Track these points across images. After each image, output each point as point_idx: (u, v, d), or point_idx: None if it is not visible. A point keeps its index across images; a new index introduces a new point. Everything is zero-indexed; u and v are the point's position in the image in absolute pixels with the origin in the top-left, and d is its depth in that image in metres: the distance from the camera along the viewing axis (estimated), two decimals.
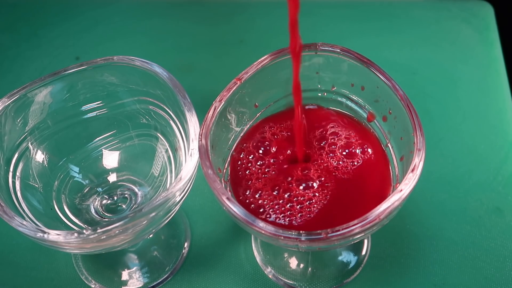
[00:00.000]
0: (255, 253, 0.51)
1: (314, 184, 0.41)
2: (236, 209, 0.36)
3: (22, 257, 0.51)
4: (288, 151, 0.43)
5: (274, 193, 0.41)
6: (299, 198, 0.41)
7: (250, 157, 0.43)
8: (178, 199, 0.40)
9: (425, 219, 0.52)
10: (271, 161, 0.43)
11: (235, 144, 0.44)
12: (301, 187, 0.41)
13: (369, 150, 0.43)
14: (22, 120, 0.44)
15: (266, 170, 0.42)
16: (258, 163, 0.43)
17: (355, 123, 0.45)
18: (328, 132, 0.44)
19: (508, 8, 0.69)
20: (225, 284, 0.50)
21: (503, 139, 0.56)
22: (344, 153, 0.43)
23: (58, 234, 0.37)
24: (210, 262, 0.51)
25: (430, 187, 0.53)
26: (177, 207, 0.42)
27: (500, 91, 0.60)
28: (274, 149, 0.43)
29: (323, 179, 0.42)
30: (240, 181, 0.42)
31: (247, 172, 0.42)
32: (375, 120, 0.44)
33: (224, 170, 0.43)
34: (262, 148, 0.43)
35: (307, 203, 0.41)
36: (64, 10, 0.68)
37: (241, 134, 0.44)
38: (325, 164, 0.42)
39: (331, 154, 0.43)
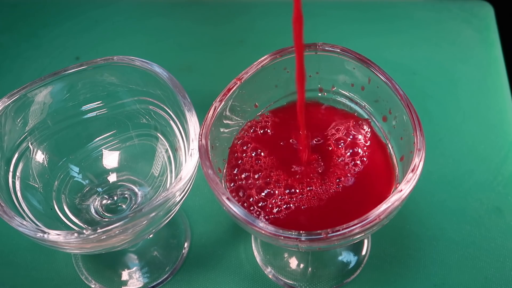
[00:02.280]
0: (255, 253, 0.51)
1: (316, 183, 0.41)
2: (236, 209, 0.36)
3: (22, 257, 0.51)
4: (292, 144, 0.43)
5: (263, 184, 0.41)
6: (298, 196, 0.41)
7: (245, 147, 0.43)
8: (178, 199, 0.40)
9: (425, 219, 0.52)
10: (265, 159, 0.43)
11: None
12: (300, 185, 0.41)
13: (371, 150, 0.43)
14: (22, 120, 0.44)
15: (262, 163, 0.42)
16: (256, 152, 0.43)
17: (357, 121, 0.45)
18: (330, 130, 0.44)
19: (508, 8, 0.69)
20: (225, 284, 0.50)
21: (503, 139, 0.56)
22: (347, 152, 0.43)
23: (58, 234, 0.37)
24: (210, 262, 0.51)
25: (430, 187, 0.53)
26: (177, 207, 0.42)
27: (500, 91, 0.60)
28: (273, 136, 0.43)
29: (326, 179, 0.42)
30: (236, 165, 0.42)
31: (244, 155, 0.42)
32: (375, 120, 0.44)
33: (224, 170, 0.43)
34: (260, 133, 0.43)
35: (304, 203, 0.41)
36: (64, 10, 0.68)
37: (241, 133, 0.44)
38: (328, 163, 0.42)
39: (329, 150, 0.43)
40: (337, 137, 0.44)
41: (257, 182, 0.42)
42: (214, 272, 0.50)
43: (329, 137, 0.44)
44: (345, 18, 0.67)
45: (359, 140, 0.43)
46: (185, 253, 0.51)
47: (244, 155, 0.43)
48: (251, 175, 0.42)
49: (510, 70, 0.62)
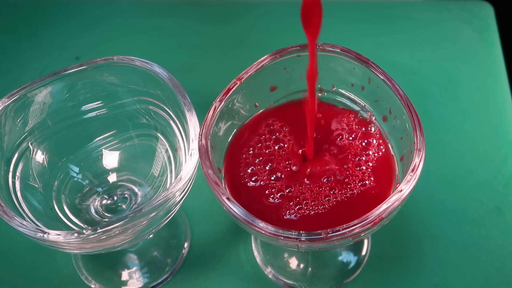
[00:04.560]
0: (255, 253, 0.51)
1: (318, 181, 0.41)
2: (236, 209, 0.36)
3: (22, 257, 0.51)
4: (299, 150, 0.43)
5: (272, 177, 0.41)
6: (303, 193, 0.41)
7: (246, 145, 0.43)
8: (178, 199, 0.40)
9: (425, 219, 0.52)
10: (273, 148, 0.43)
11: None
12: (305, 181, 0.41)
13: (376, 149, 0.43)
14: (22, 120, 0.44)
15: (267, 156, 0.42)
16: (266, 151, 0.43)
17: (360, 121, 0.44)
18: (334, 129, 0.44)
19: (508, 8, 0.69)
20: (225, 284, 0.50)
21: (503, 139, 0.56)
22: (357, 156, 0.43)
23: (58, 234, 0.37)
24: (210, 262, 0.51)
25: (430, 187, 0.53)
26: (177, 207, 0.42)
27: (500, 91, 0.60)
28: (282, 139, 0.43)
29: (329, 178, 0.42)
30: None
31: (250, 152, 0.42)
32: (375, 120, 0.44)
33: (224, 170, 0.43)
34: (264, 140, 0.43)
35: (309, 201, 0.41)
36: (64, 10, 0.68)
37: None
38: (331, 163, 0.42)
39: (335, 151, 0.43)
40: (343, 137, 0.44)
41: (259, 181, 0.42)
42: (214, 272, 0.50)
43: (334, 136, 0.44)
44: (345, 18, 0.67)
45: (368, 140, 0.43)
46: (185, 253, 0.51)
47: (245, 153, 0.43)
48: (252, 171, 0.42)
49: (510, 70, 0.62)
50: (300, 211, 0.40)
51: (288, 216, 0.40)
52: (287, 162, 0.43)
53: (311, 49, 0.39)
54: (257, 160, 0.43)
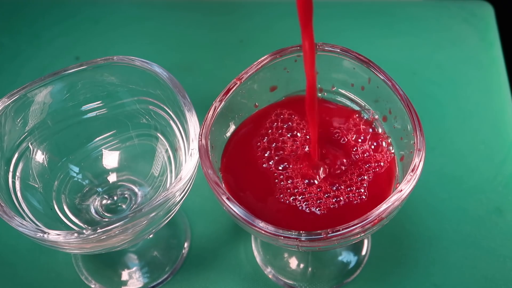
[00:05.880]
0: (255, 253, 0.51)
1: (316, 181, 0.41)
2: (236, 209, 0.36)
3: (22, 257, 0.51)
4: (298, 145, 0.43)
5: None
6: (305, 191, 0.41)
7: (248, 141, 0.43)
8: (178, 199, 0.40)
9: (425, 219, 0.52)
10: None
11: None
12: (306, 181, 0.41)
13: (378, 149, 0.43)
14: (22, 120, 0.44)
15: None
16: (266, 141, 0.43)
17: (365, 122, 0.44)
18: (339, 129, 0.44)
19: (508, 8, 0.69)
20: (225, 284, 0.50)
21: (503, 139, 0.56)
22: (357, 153, 0.43)
23: (58, 234, 0.37)
24: (210, 262, 0.51)
25: (430, 187, 0.53)
26: (177, 207, 0.42)
27: (500, 91, 0.60)
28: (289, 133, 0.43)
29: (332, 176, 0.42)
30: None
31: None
32: (375, 120, 0.44)
33: (224, 170, 0.43)
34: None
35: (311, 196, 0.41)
36: (64, 10, 0.68)
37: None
38: (334, 162, 0.42)
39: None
40: (348, 137, 0.44)
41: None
42: (214, 272, 0.50)
43: (336, 134, 0.44)
44: (344, 17, 0.67)
45: (377, 141, 0.43)
46: (185, 253, 0.51)
47: (247, 148, 0.43)
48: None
49: (510, 70, 0.62)
50: (298, 205, 0.40)
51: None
52: (295, 159, 0.42)
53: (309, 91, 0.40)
54: (259, 152, 0.43)
